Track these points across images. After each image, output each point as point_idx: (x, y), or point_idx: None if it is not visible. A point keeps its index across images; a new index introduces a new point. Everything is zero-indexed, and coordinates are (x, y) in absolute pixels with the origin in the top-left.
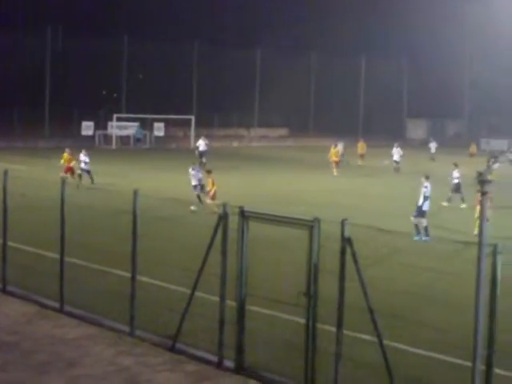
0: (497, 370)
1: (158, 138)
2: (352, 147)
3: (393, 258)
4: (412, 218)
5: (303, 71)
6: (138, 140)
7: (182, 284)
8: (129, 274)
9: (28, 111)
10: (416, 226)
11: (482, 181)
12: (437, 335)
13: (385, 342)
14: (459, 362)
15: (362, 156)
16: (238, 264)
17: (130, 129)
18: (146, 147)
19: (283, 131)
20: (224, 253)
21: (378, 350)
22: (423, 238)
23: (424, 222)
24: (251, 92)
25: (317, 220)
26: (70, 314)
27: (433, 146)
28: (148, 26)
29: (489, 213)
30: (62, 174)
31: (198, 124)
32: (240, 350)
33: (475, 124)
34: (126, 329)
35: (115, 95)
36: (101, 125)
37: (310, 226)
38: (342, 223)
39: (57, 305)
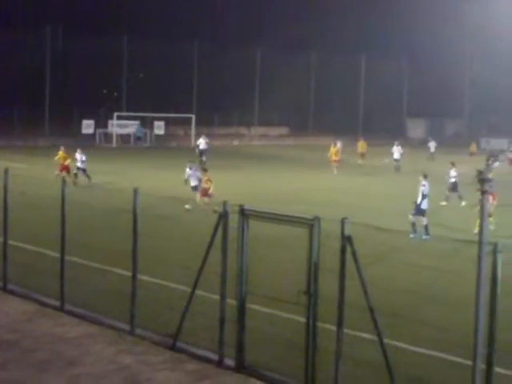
0: (497, 369)
1: (158, 136)
2: (352, 146)
3: (393, 256)
4: (410, 216)
5: (303, 70)
6: (138, 138)
7: (182, 282)
8: (129, 273)
9: (28, 110)
10: (413, 224)
11: (481, 179)
12: (437, 334)
13: (385, 340)
14: (459, 360)
15: (362, 155)
16: (238, 262)
17: (131, 127)
18: (147, 146)
19: (283, 130)
20: (224, 251)
21: (379, 348)
22: (423, 237)
23: (424, 220)
24: (251, 91)
25: (317, 218)
26: (71, 313)
27: (432, 145)
28: (148, 25)
29: (491, 209)
30: (57, 172)
31: (198, 122)
32: (240, 348)
33: (475, 123)
34: (127, 327)
35: (116, 94)
36: (101, 123)
37: (310, 224)
38: (342, 222)
39: (57, 303)
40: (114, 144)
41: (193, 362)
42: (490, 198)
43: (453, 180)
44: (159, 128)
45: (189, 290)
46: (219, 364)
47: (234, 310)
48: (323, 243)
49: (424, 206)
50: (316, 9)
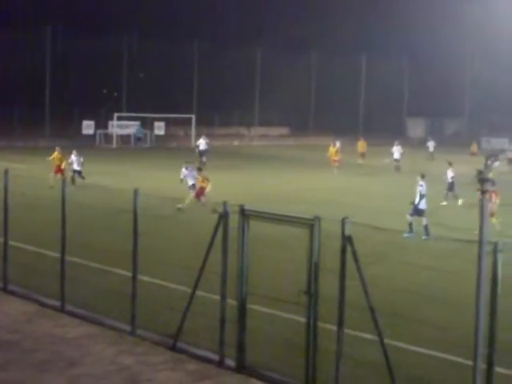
0: (498, 369)
1: (158, 136)
2: (352, 146)
3: (393, 256)
4: (408, 216)
5: (303, 70)
6: (138, 139)
7: (182, 283)
8: (129, 273)
9: (28, 110)
10: (410, 224)
11: (481, 179)
12: (438, 334)
13: (385, 340)
14: (460, 360)
15: (362, 155)
16: (238, 263)
17: (131, 128)
18: (147, 146)
19: (284, 130)
20: (225, 251)
21: (379, 348)
22: (423, 237)
23: (424, 220)
24: (252, 91)
25: (317, 218)
26: (71, 313)
27: (431, 144)
28: (148, 25)
29: (495, 208)
30: (52, 174)
31: (198, 123)
32: (241, 348)
33: (475, 123)
34: (127, 328)
35: (116, 94)
36: (101, 124)
37: (311, 224)
38: (343, 221)
39: (58, 304)
40: (114, 145)
41: (193, 362)
42: (493, 196)
43: (450, 180)
44: (159, 128)
45: (189, 290)
46: (220, 364)
47: (235, 310)
48: (323, 243)
49: (422, 206)
50: (316, 8)
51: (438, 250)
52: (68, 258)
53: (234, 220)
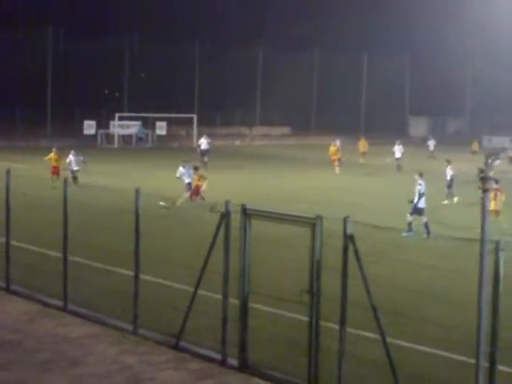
0: (500, 367)
1: (160, 136)
2: (353, 145)
3: (395, 254)
4: (407, 216)
5: (305, 69)
6: (140, 139)
7: (184, 282)
8: (132, 273)
9: (30, 111)
10: (410, 223)
11: (483, 177)
12: (440, 332)
13: (388, 339)
14: (463, 359)
15: (363, 154)
16: (240, 262)
17: (132, 128)
18: (149, 146)
19: (285, 129)
20: (226, 251)
21: (382, 347)
22: (424, 236)
23: (423, 219)
24: (253, 90)
25: (319, 217)
26: (74, 313)
27: (431, 143)
28: (149, 26)
29: (500, 206)
30: (50, 176)
31: (200, 123)
32: (243, 347)
33: (477, 121)
34: (130, 327)
35: (117, 94)
36: (103, 124)
37: (313, 223)
38: (345, 221)
39: (60, 303)
40: (116, 145)
41: (196, 361)
42: (498, 194)
43: (448, 178)
44: (161, 128)
45: (191, 289)
46: (222, 363)
47: (237, 310)
48: (325, 242)
49: (421, 204)
50: (317, 7)
51: (439, 249)
52: (70, 257)
53: (235, 219)
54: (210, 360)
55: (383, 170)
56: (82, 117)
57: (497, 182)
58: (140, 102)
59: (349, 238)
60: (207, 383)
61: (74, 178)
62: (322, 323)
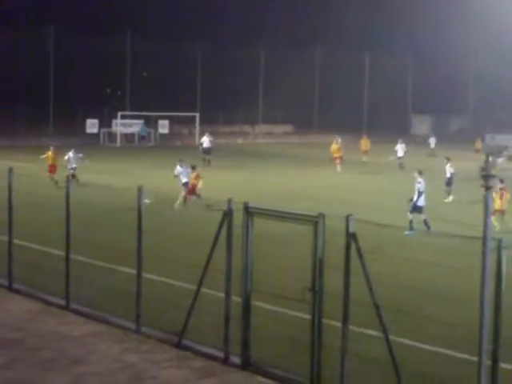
0: (503, 365)
1: (162, 135)
2: (356, 143)
3: (397, 252)
4: (408, 214)
5: (307, 67)
6: (142, 138)
7: (187, 280)
8: (134, 271)
9: (32, 110)
10: (411, 221)
11: (485, 175)
12: (443, 330)
13: (390, 337)
14: (465, 356)
15: (365, 152)
16: (243, 260)
17: (135, 126)
18: (151, 145)
19: (288, 128)
20: (229, 249)
21: (384, 345)
22: (426, 231)
23: (422, 216)
24: (255, 89)
25: (322, 215)
26: (76, 312)
27: (432, 141)
28: (151, 25)
29: (505, 205)
30: (49, 174)
31: (202, 121)
32: (246, 345)
33: (480, 119)
34: (132, 326)
35: (119, 93)
36: (105, 123)
37: (315, 221)
38: (347, 218)
39: (62, 302)
40: (118, 143)
41: (198, 359)
42: (504, 193)
43: (448, 175)
44: (163, 127)
45: (194, 287)
46: (225, 361)
47: (240, 308)
48: (328, 240)
49: (421, 202)
50: (320, 6)
51: (441, 247)
52: (73, 256)
53: (238, 217)
54: (213, 358)
55: (385, 168)
56: (84, 115)
57: (502, 181)
58: (142, 101)
59: (351, 236)
60: (210, 381)
61: (73, 176)
62: (325, 321)
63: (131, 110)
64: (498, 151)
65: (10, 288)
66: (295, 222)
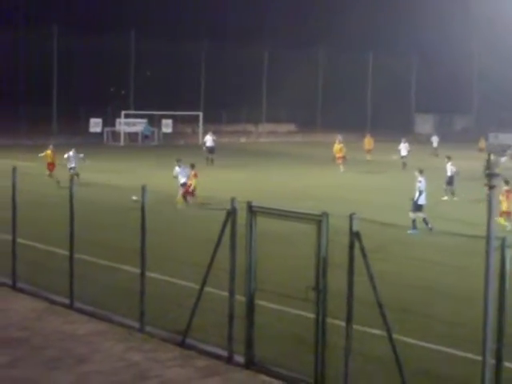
0: (506, 364)
1: (166, 134)
2: (359, 142)
3: (400, 251)
4: (410, 213)
5: (311, 67)
6: (146, 137)
7: (191, 279)
8: (138, 270)
9: (36, 109)
10: (413, 221)
11: (489, 174)
12: (446, 329)
13: (394, 336)
14: (469, 355)
15: (369, 151)
16: (246, 259)
17: (138, 125)
18: (155, 144)
19: (291, 127)
20: (233, 248)
21: (388, 344)
22: (425, 227)
23: (421, 214)
24: (259, 88)
25: (325, 214)
26: (80, 310)
27: (435, 140)
28: (155, 24)
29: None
30: (48, 173)
31: (205, 120)
32: (250, 344)
33: (484, 118)
34: (136, 325)
35: (123, 92)
36: (109, 122)
37: (319, 220)
38: (351, 217)
39: (67, 301)
40: (122, 142)
41: (202, 358)
42: (510, 195)
43: (449, 174)
44: (167, 126)
45: (197, 286)
46: (229, 360)
47: (243, 307)
48: (331, 239)
49: (421, 201)
50: (323, 5)
51: (445, 246)
52: (76, 255)
53: (241, 217)
54: (217, 357)
55: (389, 167)
56: (87, 115)
57: (508, 182)
58: (146, 100)
59: (355, 235)
60: (214, 380)
61: (76, 175)
62: (329, 320)
63: (135, 109)
64: (501, 150)
65: (14, 287)
66: (299, 220)
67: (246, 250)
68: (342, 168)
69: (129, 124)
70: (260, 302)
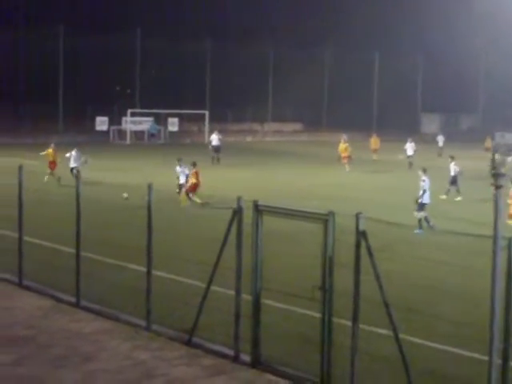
0: None
1: (172, 133)
2: (365, 142)
3: (406, 251)
4: (415, 213)
5: (317, 66)
6: (152, 135)
7: (197, 278)
8: (144, 269)
9: (42, 107)
10: (419, 220)
11: (496, 174)
12: (453, 329)
13: (401, 335)
14: (475, 355)
15: (375, 151)
16: (252, 258)
17: (145, 124)
18: (161, 142)
19: (297, 126)
20: (239, 247)
21: (394, 343)
22: (425, 224)
23: (423, 213)
24: (265, 87)
25: (331, 213)
26: (86, 309)
27: (440, 139)
28: (161, 22)
29: None
30: (49, 171)
31: (211, 119)
32: (256, 343)
33: (490, 118)
34: (143, 323)
35: (129, 91)
36: (115, 120)
37: (325, 219)
38: (357, 217)
39: (73, 299)
40: (128, 141)
41: (209, 357)
42: None
43: (452, 173)
44: (173, 125)
45: (204, 285)
46: (235, 359)
47: (249, 306)
48: (337, 238)
49: (425, 200)
50: (329, 5)
51: (451, 245)
52: (83, 253)
53: (247, 215)
54: (223, 356)
55: (395, 166)
56: (94, 113)
57: None
58: (152, 99)
59: (361, 234)
60: (220, 379)
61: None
62: (335, 319)
63: (141, 108)
64: (507, 149)
65: (20, 285)
66: (305, 219)
67: (252, 248)
68: (347, 167)
69: (135, 122)
70: (266, 301)
